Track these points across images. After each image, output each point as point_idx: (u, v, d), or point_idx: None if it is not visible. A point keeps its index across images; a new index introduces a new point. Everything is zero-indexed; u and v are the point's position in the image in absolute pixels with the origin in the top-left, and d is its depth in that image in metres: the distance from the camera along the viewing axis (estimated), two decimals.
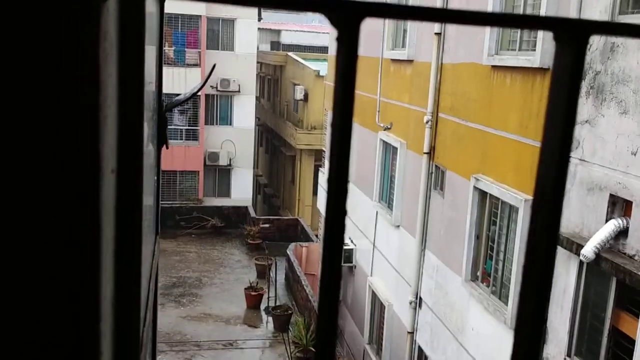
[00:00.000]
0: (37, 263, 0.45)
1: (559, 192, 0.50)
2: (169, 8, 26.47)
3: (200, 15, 25.69)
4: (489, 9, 8.58)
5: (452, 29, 9.99)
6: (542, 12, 7.36)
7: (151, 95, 1.35)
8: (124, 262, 0.65)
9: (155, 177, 1.49)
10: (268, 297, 17.85)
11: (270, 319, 17.18)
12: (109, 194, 0.57)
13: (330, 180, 0.49)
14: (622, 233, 6.04)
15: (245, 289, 18.19)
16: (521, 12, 8.10)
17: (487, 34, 8.60)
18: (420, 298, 11.01)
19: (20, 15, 0.43)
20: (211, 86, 26.37)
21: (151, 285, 1.15)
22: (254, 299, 17.97)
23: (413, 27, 11.41)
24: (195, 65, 25.87)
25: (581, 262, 6.50)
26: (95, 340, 0.47)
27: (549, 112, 0.51)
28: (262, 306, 18.02)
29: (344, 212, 0.52)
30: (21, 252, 0.44)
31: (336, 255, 0.51)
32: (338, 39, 0.48)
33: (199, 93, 25.71)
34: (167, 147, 1.53)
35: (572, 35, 0.49)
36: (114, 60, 0.55)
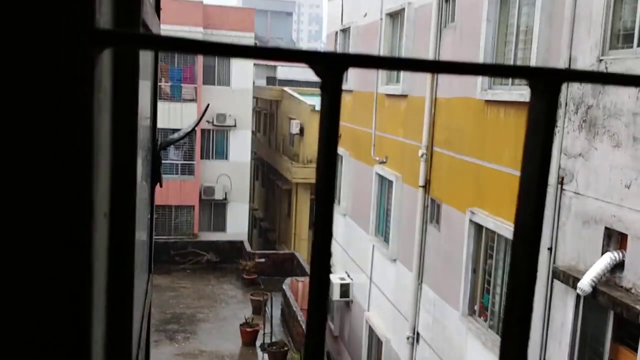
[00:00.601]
0: (27, 306, 0.46)
1: (536, 234, 0.52)
2: None
3: None
4: (481, 47, 8.73)
5: None
6: (534, 48, 7.49)
7: (146, 134, 1.37)
8: (116, 306, 0.65)
9: (149, 215, 1.50)
10: (264, 333, 17.63)
11: (266, 355, 16.93)
12: (102, 237, 0.58)
13: (315, 234, 0.50)
14: (618, 266, 6.04)
15: (240, 325, 17.98)
16: (513, 48, 8.25)
17: None
18: (418, 333, 10.91)
19: (15, 65, 0.45)
20: (207, 121, 26.52)
21: (143, 324, 1.15)
22: (249, 335, 17.75)
23: None
24: (192, 100, 26.07)
25: (578, 296, 6.48)
26: None
27: (525, 156, 0.53)
28: (258, 342, 17.79)
29: (328, 269, 0.54)
30: (11, 298, 0.45)
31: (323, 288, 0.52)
32: (321, 88, 0.50)
33: (195, 128, 25.84)
34: (160, 186, 1.54)
35: (546, 84, 0.52)
36: (107, 107, 0.57)
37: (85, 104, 0.44)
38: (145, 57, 1.48)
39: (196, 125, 3.08)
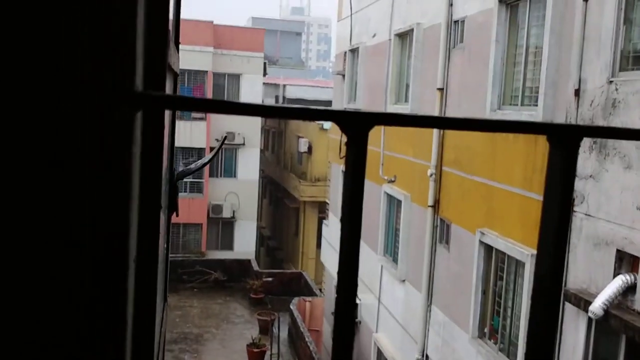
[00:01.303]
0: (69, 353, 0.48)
1: (557, 287, 0.53)
2: None
3: (207, 71, 26.23)
4: (490, 68, 8.76)
5: (454, 85, 10.17)
6: (543, 69, 7.51)
7: (164, 166, 1.39)
8: (139, 344, 0.67)
9: (166, 245, 1.52)
10: (271, 354, 17.52)
11: None
12: (130, 281, 0.60)
13: (339, 278, 0.52)
14: (631, 289, 5.98)
15: (247, 345, 17.88)
16: (522, 69, 8.27)
17: (490, 88, 8.76)
18: (427, 355, 10.81)
19: (64, 122, 0.47)
20: (216, 139, 26.66)
21: (160, 355, 1.16)
22: (256, 356, 17.63)
23: (416, 82, 11.63)
24: (201, 119, 26.25)
25: (590, 319, 6.41)
26: None
27: (544, 208, 0.54)
28: None
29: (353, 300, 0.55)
30: (51, 341, 0.47)
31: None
32: (347, 144, 0.52)
33: (204, 147, 25.98)
34: (177, 215, 1.56)
35: (564, 139, 0.53)
36: (137, 158, 0.59)
37: (124, 162, 0.46)
38: (169, 83, 1.51)
39: (214, 156, 3.11)
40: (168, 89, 1.12)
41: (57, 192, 0.46)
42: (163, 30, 0.72)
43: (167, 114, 1.42)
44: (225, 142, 26.85)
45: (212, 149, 26.79)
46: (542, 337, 0.56)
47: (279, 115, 0.49)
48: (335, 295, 0.53)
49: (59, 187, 0.46)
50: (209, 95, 26.37)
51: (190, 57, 25.55)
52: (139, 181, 0.65)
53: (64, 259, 0.46)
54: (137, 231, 0.66)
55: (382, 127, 11.38)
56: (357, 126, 0.50)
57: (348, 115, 0.49)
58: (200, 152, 26.15)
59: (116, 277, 0.47)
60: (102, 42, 0.45)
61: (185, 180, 26.58)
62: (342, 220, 0.52)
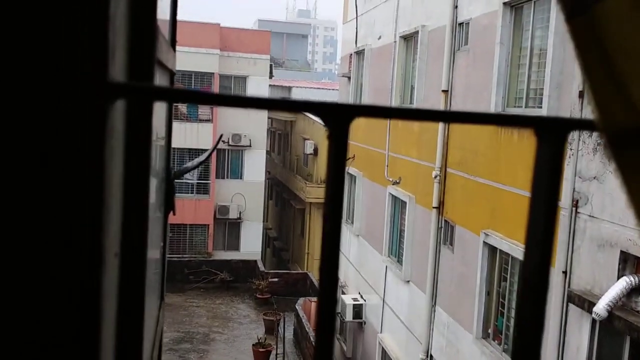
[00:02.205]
0: (38, 353, 0.47)
1: (544, 284, 0.52)
2: (182, 65, 26.95)
3: (213, 73, 26.28)
4: (494, 70, 8.73)
5: (459, 86, 10.15)
6: (548, 70, 7.48)
7: (160, 163, 1.39)
8: (125, 343, 0.66)
9: (162, 243, 1.51)
10: (276, 354, 17.52)
11: None
12: (112, 277, 0.59)
13: (321, 277, 0.51)
14: (635, 290, 5.95)
15: (253, 345, 17.90)
16: (526, 71, 8.24)
17: (494, 89, 8.73)
18: (431, 356, 10.78)
19: (28, 114, 0.46)
20: (222, 141, 26.70)
21: (154, 354, 1.16)
22: (262, 356, 17.64)
23: (421, 84, 11.61)
24: (208, 120, 26.29)
25: (594, 320, 6.38)
26: None
27: (532, 203, 0.53)
28: None
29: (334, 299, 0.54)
30: (20, 345, 0.46)
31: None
32: (329, 137, 0.51)
33: (209, 157, 26.01)
34: (174, 214, 1.56)
35: (551, 133, 0.52)
36: (120, 153, 0.59)
37: (97, 153, 0.46)
38: (164, 81, 1.50)
39: (209, 155, 3.10)
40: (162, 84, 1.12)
41: (23, 185, 0.45)
42: (150, 25, 0.72)
43: (163, 110, 1.42)
44: (232, 143, 26.89)
45: (218, 150, 26.84)
46: (529, 335, 0.55)
47: (256, 106, 0.48)
48: (318, 292, 0.52)
49: (25, 179, 0.45)
50: None
51: (196, 59, 25.62)
52: (124, 176, 0.65)
53: (31, 254, 0.46)
54: (122, 227, 0.66)
55: (387, 129, 11.41)
56: (337, 118, 0.49)
57: (328, 106, 0.49)
58: (204, 162, 26.15)
59: (88, 273, 0.46)
60: (71, 30, 0.45)
61: (191, 181, 26.64)
62: (324, 215, 0.51)
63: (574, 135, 6.98)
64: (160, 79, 1.15)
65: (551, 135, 0.52)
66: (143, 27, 0.68)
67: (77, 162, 0.46)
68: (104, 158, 0.46)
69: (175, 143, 25.29)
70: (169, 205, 1.45)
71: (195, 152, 25.97)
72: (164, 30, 1.33)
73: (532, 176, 0.53)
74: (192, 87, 26.65)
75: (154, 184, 1.26)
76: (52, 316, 0.47)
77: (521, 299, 0.56)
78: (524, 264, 0.56)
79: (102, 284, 0.49)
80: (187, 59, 25.16)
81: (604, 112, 0.50)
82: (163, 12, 1.28)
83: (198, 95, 0.46)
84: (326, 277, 0.52)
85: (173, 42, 1.44)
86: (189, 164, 3.11)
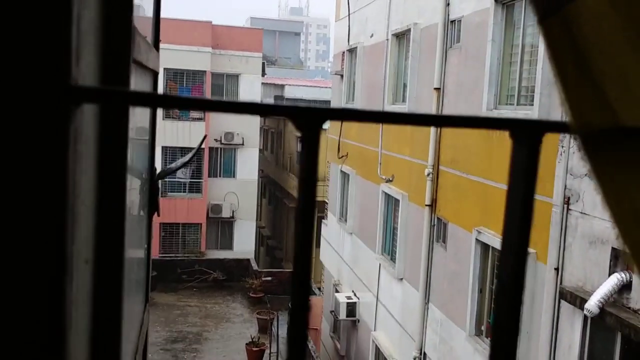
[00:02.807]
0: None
1: (519, 286, 0.51)
2: (174, 64, 26.83)
3: (205, 71, 26.21)
4: (486, 67, 8.75)
5: (451, 84, 10.16)
6: (539, 68, 7.50)
7: (143, 165, 1.38)
8: (102, 349, 0.65)
9: (146, 245, 1.50)
10: (270, 353, 17.52)
11: None
12: (82, 284, 0.58)
13: (294, 271, 0.50)
14: (626, 287, 5.98)
15: (246, 344, 17.89)
16: (518, 68, 8.26)
17: (486, 88, 8.75)
18: (425, 353, 10.80)
19: None
20: (215, 139, 26.65)
21: (138, 358, 1.15)
22: (255, 355, 17.64)
23: (413, 82, 11.62)
24: (200, 119, 26.22)
25: (585, 317, 6.41)
26: None
27: (508, 204, 0.53)
28: None
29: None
30: None
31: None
32: (301, 140, 0.50)
33: (203, 147, 25.97)
34: (158, 215, 1.55)
35: (527, 135, 0.52)
36: (90, 154, 0.58)
37: (60, 158, 0.45)
38: (144, 82, 1.49)
39: (193, 156, 3.10)
40: (139, 87, 1.10)
41: None
42: (125, 26, 0.71)
43: (146, 110, 1.40)
44: (225, 142, 26.83)
45: (211, 149, 26.78)
46: (505, 336, 0.54)
47: (223, 109, 0.47)
48: (290, 293, 0.51)
49: None
50: (208, 95, 26.34)
51: (188, 57, 25.55)
52: (98, 181, 0.63)
53: None
54: (96, 233, 0.64)
55: (380, 127, 11.40)
56: (309, 121, 0.48)
57: (299, 110, 0.48)
58: (199, 151, 26.11)
59: (52, 281, 0.45)
60: (30, 33, 0.44)
61: (184, 180, 26.58)
62: (295, 217, 0.51)
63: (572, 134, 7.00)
64: (140, 80, 1.14)
65: (526, 138, 0.51)
66: (117, 29, 0.67)
67: (38, 167, 0.44)
68: (66, 163, 0.45)
69: (168, 142, 25.24)
70: (152, 206, 1.45)
71: (187, 151, 25.89)
72: (146, 30, 1.32)
73: (508, 178, 0.53)
74: (184, 85, 26.58)
75: (136, 185, 1.25)
76: (14, 327, 0.45)
77: (498, 299, 0.56)
78: (501, 265, 0.55)
79: (69, 292, 0.48)
80: (179, 57, 25.09)
81: (579, 113, 0.50)
82: (145, 11, 1.26)
83: (163, 99, 0.45)
84: (298, 280, 0.51)
85: (156, 42, 1.43)
86: (173, 165, 3.11)
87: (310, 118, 0.48)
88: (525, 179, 0.52)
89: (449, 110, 10.18)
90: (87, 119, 0.56)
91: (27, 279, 0.45)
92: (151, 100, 0.43)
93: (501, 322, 0.54)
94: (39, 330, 0.46)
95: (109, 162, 0.64)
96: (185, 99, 0.45)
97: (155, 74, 1.41)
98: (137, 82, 1.05)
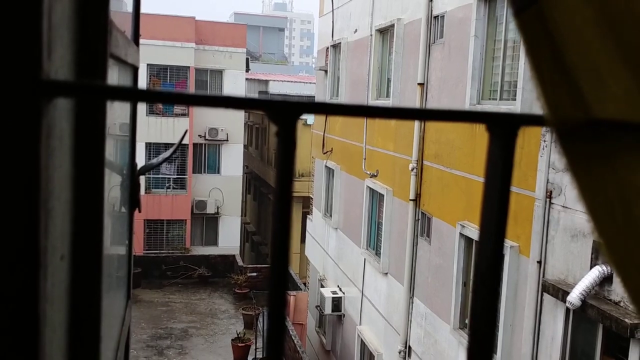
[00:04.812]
0: None
1: (496, 274, 0.52)
2: (157, 59, 26.65)
3: (189, 67, 26.06)
4: (469, 62, 8.79)
5: (435, 79, 10.20)
6: (522, 63, 7.55)
7: (123, 160, 1.36)
8: (80, 346, 0.65)
9: (127, 241, 1.49)
10: (255, 348, 17.52)
11: None
12: (58, 279, 0.57)
13: (272, 269, 0.50)
14: (607, 279, 6.05)
15: (232, 340, 17.87)
16: (501, 63, 8.31)
17: (469, 82, 8.79)
18: (410, 347, 10.87)
19: None
20: (199, 135, 26.53)
21: (119, 354, 1.14)
22: (241, 351, 17.62)
23: (397, 77, 11.64)
24: (183, 115, 26.07)
25: (568, 309, 6.48)
26: None
27: (484, 197, 0.53)
28: (250, 358, 17.67)
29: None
30: None
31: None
32: (277, 134, 0.50)
33: (187, 143, 25.84)
34: (139, 211, 1.54)
35: (502, 128, 0.52)
36: (64, 149, 0.57)
37: (31, 153, 0.44)
38: (123, 77, 1.48)
39: (174, 151, 3.09)
40: (118, 82, 1.09)
41: None
42: (101, 19, 0.70)
43: (126, 106, 1.39)
44: (209, 138, 26.71)
45: (195, 145, 26.66)
46: (482, 328, 0.55)
47: (201, 103, 0.47)
48: (268, 288, 0.51)
49: None
50: (192, 91, 26.17)
51: (172, 52, 25.38)
52: (74, 176, 0.63)
53: None
54: (72, 229, 0.64)
55: (364, 123, 11.41)
56: (284, 115, 0.48)
57: (274, 104, 0.48)
58: (183, 147, 25.98)
59: (23, 277, 0.45)
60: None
61: (168, 176, 26.42)
62: (273, 213, 0.51)
63: (547, 127, 7.06)
64: (119, 75, 1.13)
65: (502, 131, 0.51)
66: (92, 22, 0.66)
67: (8, 162, 0.44)
68: (38, 158, 0.44)
69: (151, 138, 25.07)
70: (133, 202, 1.44)
71: (171, 146, 25.75)
72: (125, 24, 1.30)
73: (485, 171, 0.53)
74: (168, 81, 26.39)
75: (116, 180, 1.24)
76: None
77: (475, 293, 0.56)
78: (478, 256, 0.56)
79: (43, 287, 0.48)
80: (163, 53, 24.92)
81: (554, 106, 0.50)
82: (124, 6, 1.25)
83: (139, 93, 0.44)
84: (276, 276, 0.51)
85: (136, 36, 1.41)
86: (154, 161, 3.08)
87: (286, 111, 0.48)
88: (502, 171, 0.52)
89: (433, 105, 10.22)
90: (61, 114, 0.55)
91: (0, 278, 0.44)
92: (124, 94, 0.43)
93: (479, 312, 0.54)
94: (11, 325, 0.46)
95: (86, 158, 0.63)
96: (159, 92, 0.44)
97: (135, 69, 1.40)
98: (116, 77, 1.03)
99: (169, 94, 0.44)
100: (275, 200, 0.52)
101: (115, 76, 1.01)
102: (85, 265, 0.66)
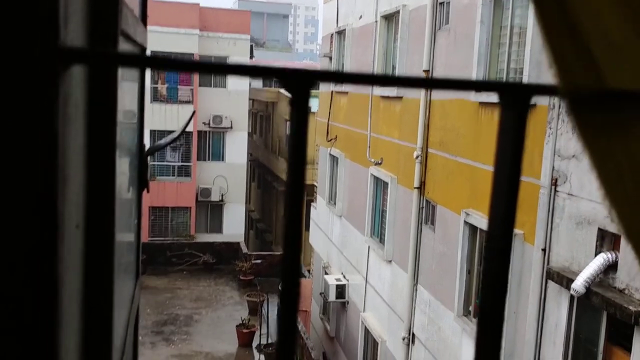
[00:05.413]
0: None
1: (507, 246, 0.52)
2: (161, 46, 26.56)
3: (193, 54, 26.00)
4: (475, 49, 8.74)
5: (440, 66, 10.15)
6: (527, 49, 7.51)
7: (132, 140, 1.37)
8: (94, 316, 0.65)
9: (136, 220, 1.50)
10: (260, 334, 17.63)
11: (263, 356, 16.93)
12: (73, 248, 0.58)
13: (285, 235, 0.51)
14: (612, 267, 6.06)
15: (237, 326, 17.98)
16: (506, 50, 8.27)
17: (475, 68, 8.75)
18: (413, 334, 10.92)
19: None
20: (203, 123, 26.52)
21: (129, 331, 1.15)
22: (245, 337, 17.74)
23: (402, 64, 11.60)
24: (188, 102, 26.06)
25: (572, 297, 6.49)
26: None
27: (496, 167, 0.53)
28: (254, 344, 17.78)
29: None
30: None
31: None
32: (291, 103, 0.51)
33: (192, 130, 25.84)
34: (147, 191, 1.54)
35: (515, 98, 0.52)
36: (79, 119, 0.57)
37: (49, 119, 0.45)
38: (131, 78, 1.48)
39: (182, 132, 3.09)
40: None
41: None
42: None
43: (135, 86, 1.39)
44: (213, 125, 26.69)
45: (199, 132, 26.66)
46: (494, 299, 0.55)
47: (213, 71, 0.47)
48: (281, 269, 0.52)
49: None
50: (196, 79, 26.14)
51: (176, 39, 25.31)
52: (87, 144, 0.63)
53: None
54: (86, 198, 0.64)
55: (368, 110, 11.37)
56: (299, 83, 0.48)
57: (289, 72, 0.48)
58: (187, 135, 25.99)
59: (42, 239, 0.45)
60: None
61: (173, 164, 26.46)
62: (286, 183, 0.51)
63: (552, 114, 7.04)
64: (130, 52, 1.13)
65: (514, 100, 0.51)
66: None
67: (28, 127, 0.44)
68: (56, 124, 0.45)
69: (156, 125, 25.06)
70: (142, 182, 1.44)
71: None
72: (133, 4, 1.30)
73: (497, 142, 0.53)
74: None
75: (126, 160, 1.25)
76: (6, 286, 0.46)
77: (484, 278, 0.57)
78: (488, 232, 0.56)
79: (60, 253, 0.48)
80: (166, 40, 24.85)
81: (566, 75, 0.50)
82: None
83: (151, 60, 0.45)
84: (289, 254, 0.51)
85: (144, 17, 1.41)
86: (162, 141, 3.10)
87: (300, 79, 0.48)
88: (514, 142, 0.52)
89: (438, 92, 10.18)
90: (76, 83, 0.55)
91: (19, 239, 0.45)
92: (138, 61, 0.43)
93: (490, 283, 0.55)
94: (30, 291, 0.47)
95: (99, 126, 0.63)
96: (173, 60, 0.45)
97: (143, 49, 1.40)
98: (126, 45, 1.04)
99: (180, 61, 0.44)
100: (289, 168, 0.53)
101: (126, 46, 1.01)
102: (97, 235, 0.67)
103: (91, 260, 0.64)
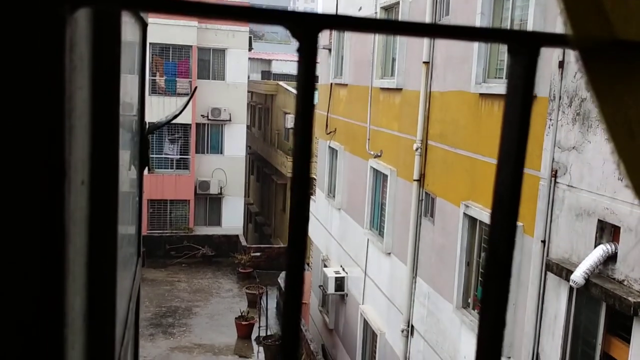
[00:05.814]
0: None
1: (515, 197, 0.52)
2: (159, 38, 26.45)
3: (192, 46, 25.92)
4: (474, 53, 8.72)
5: (439, 58, 10.13)
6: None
7: (133, 117, 1.36)
8: (98, 269, 0.65)
9: (138, 199, 1.50)
10: (259, 327, 17.66)
11: (262, 348, 16.97)
12: (79, 204, 0.58)
13: (293, 186, 0.50)
14: (611, 258, 6.06)
15: (236, 318, 18.01)
16: (505, 60, 8.24)
17: (475, 62, 8.73)
18: (412, 326, 10.94)
19: None
20: (202, 115, 26.48)
21: (131, 305, 1.15)
22: (244, 329, 17.77)
23: (402, 56, 11.57)
24: (186, 94, 25.98)
25: (571, 288, 6.50)
26: (60, 344, 0.48)
27: (505, 122, 0.53)
28: (253, 336, 17.82)
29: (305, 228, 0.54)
30: None
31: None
32: (298, 50, 0.50)
33: (190, 122, 25.80)
34: (149, 171, 1.53)
35: (524, 47, 0.52)
36: (84, 73, 0.57)
37: (56, 62, 0.44)
38: (132, 38, 1.47)
39: (184, 108, 3.08)
40: (130, 34, 1.09)
41: None
42: None
43: (135, 64, 1.38)
44: (212, 118, 26.65)
45: (198, 125, 26.62)
46: (496, 290, 0.54)
47: (218, 14, 0.46)
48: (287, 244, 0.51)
49: None
50: (194, 71, 26.08)
51: (174, 31, 25.22)
52: (90, 96, 0.63)
53: None
54: (91, 154, 0.64)
55: (368, 102, 11.34)
56: (306, 28, 0.47)
57: (296, 16, 0.47)
58: (186, 127, 25.97)
59: (49, 187, 0.45)
60: None
61: (171, 156, 26.43)
62: (294, 133, 0.50)
63: (553, 106, 7.03)
64: (132, 28, 1.12)
65: (524, 48, 0.51)
66: None
67: (35, 68, 0.44)
68: (63, 67, 0.44)
69: (154, 117, 24.90)
70: (143, 160, 1.44)
71: (173, 126, 25.74)
72: None
73: (506, 92, 0.52)
74: (170, 60, 26.25)
75: (128, 137, 1.24)
76: (13, 236, 0.45)
77: (493, 219, 0.56)
78: (495, 186, 0.56)
79: (67, 205, 0.48)
80: (165, 32, 24.77)
81: (577, 25, 0.49)
82: None
83: (156, 2, 0.44)
84: (296, 224, 0.50)
85: None
86: (163, 119, 3.09)
87: (308, 24, 0.48)
88: (523, 91, 0.52)
89: (438, 84, 10.17)
90: (81, 33, 0.55)
91: (26, 185, 0.45)
92: (141, 3, 0.42)
93: (498, 245, 0.54)
94: (37, 241, 0.46)
95: (103, 77, 0.63)
96: (177, 2, 0.44)
97: (144, 25, 1.39)
98: (127, 30, 1.03)
99: (189, 3, 0.44)
100: (296, 117, 0.52)
101: (126, 29, 1.00)
102: (101, 191, 0.66)
103: (96, 217, 0.64)
